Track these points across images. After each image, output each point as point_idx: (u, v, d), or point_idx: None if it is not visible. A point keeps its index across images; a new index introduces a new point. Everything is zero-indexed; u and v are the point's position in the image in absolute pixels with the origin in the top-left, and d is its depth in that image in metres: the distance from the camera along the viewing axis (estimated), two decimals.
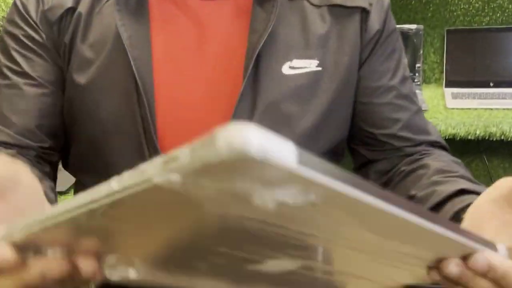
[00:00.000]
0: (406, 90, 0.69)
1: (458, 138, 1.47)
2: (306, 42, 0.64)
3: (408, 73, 0.71)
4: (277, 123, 0.61)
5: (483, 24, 1.76)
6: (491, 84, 1.67)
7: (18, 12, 0.65)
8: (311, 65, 0.64)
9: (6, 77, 0.64)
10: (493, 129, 1.42)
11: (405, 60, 0.71)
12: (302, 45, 0.64)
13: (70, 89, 0.63)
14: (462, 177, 0.59)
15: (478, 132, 1.45)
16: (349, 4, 0.65)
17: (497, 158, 1.89)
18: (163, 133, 0.61)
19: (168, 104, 0.63)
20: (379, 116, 0.68)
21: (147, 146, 0.60)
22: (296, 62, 0.63)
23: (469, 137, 1.48)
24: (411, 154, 0.67)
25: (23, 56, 0.65)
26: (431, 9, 1.77)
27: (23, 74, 0.64)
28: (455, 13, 1.75)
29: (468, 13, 1.74)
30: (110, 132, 0.62)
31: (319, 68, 0.64)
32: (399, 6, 1.80)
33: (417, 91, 1.57)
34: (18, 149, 0.62)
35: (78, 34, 0.64)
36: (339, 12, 0.65)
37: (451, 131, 1.45)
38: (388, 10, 0.69)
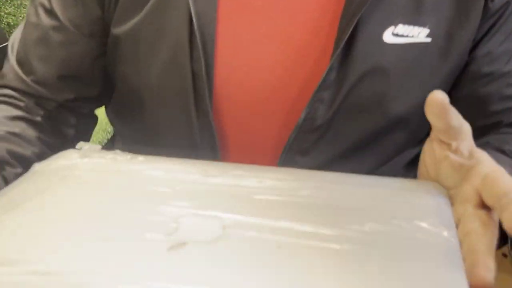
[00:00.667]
0: None
1: None
2: (417, 5, 0.54)
3: None
4: (367, 101, 0.53)
5: None
6: None
7: None
8: (419, 34, 0.54)
9: (37, 14, 0.58)
10: None
11: None
12: (411, 8, 0.54)
13: (112, 37, 0.56)
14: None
15: None
16: None
17: None
18: (220, 98, 0.54)
19: (231, 63, 0.54)
20: (482, 108, 0.59)
21: (195, 108, 0.53)
22: (401, 28, 0.54)
23: None
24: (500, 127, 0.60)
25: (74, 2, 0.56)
26: None
27: (52, 15, 0.57)
28: None
29: None
30: (155, 84, 0.55)
31: (429, 40, 0.54)
32: None
33: None
34: (35, 100, 0.57)
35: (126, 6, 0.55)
36: None
37: None
38: None
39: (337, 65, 0.51)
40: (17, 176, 0.46)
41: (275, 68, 0.54)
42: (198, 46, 0.51)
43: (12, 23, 1.96)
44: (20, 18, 2.01)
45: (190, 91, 0.53)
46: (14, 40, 0.60)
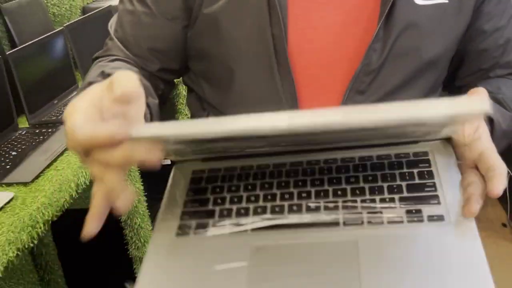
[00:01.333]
0: (509, 32, 0.73)
1: None
2: None
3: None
4: (407, 49, 0.67)
5: None
6: None
7: None
8: None
9: (131, 3, 0.72)
10: None
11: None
12: None
13: (203, 17, 0.68)
14: (495, 99, 0.71)
15: None
16: None
17: None
18: (295, 55, 0.66)
19: (301, 25, 0.66)
20: (483, 55, 0.74)
21: (277, 65, 0.66)
22: None
23: None
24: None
25: None
26: None
27: (144, 4, 0.71)
28: None
29: None
30: (242, 51, 0.67)
31: (447, 1, 0.67)
32: None
33: None
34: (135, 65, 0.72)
35: None
36: None
37: None
38: None
39: (383, 24, 0.64)
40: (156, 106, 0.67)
41: (334, 27, 0.67)
42: (277, 13, 0.64)
43: (56, 13, 1.91)
44: (63, 8, 1.95)
45: (272, 51, 0.65)
46: (112, 22, 0.76)
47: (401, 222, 0.51)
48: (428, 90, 0.73)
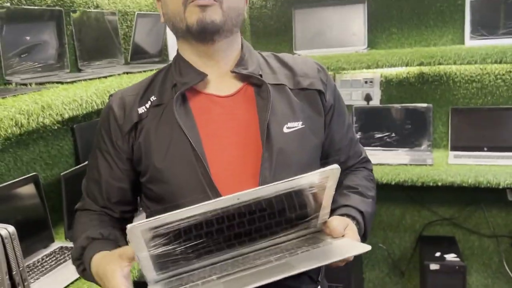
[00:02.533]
0: (350, 134, 1.18)
1: (455, 185, 2.12)
2: (292, 111, 1.05)
3: (349, 121, 1.18)
4: (284, 161, 1.01)
5: (478, 104, 2.45)
6: (485, 149, 2.37)
7: (108, 121, 1.08)
8: (298, 125, 1.05)
9: (96, 168, 1.10)
10: (481, 179, 2.07)
11: (347, 113, 1.18)
12: (290, 114, 1.05)
13: (151, 170, 1.03)
14: (356, 193, 1.11)
15: (469, 181, 2.09)
16: (311, 87, 1.09)
17: (495, 208, 2.52)
18: (216, 177, 0.98)
19: (216, 159, 1.01)
20: (336, 150, 1.15)
21: (207, 185, 0.98)
22: (290, 124, 1.04)
23: (463, 185, 2.10)
24: (348, 169, 1.18)
25: (107, 159, 1.08)
26: (438, 92, 2.50)
27: (107, 167, 1.08)
28: (457, 96, 2.48)
29: (466, 96, 2.47)
30: (181, 184, 1.00)
31: (303, 126, 1.05)
32: (414, 90, 2.53)
33: (427, 153, 2.44)
34: (105, 212, 1.10)
35: (150, 132, 1.03)
36: (307, 92, 1.09)
37: (450, 179, 2.13)
38: (335, 87, 1.15)
39: (265, 148, 0.99)
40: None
41: (235, 149, 1.02)
42: (199, 156, 0.98)
43: None
44: None
45: (198, 170, 0.99)
46: (84, 182, 1.15)
47: None
48: None
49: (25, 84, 1.48)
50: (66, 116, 1.33)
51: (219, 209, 0.84)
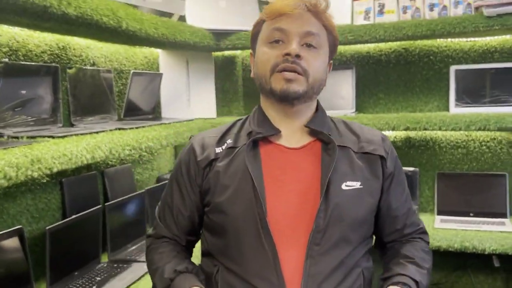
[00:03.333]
0: (408, 205, 1.26)
1: (441, 250, 2.13)
2: (353, 171, 1.16)
3: (408, 192, 1.28)
4: (338, 215, 1.10)
5: (464, 169, 2.50)
6: (471, 214, 2.39)
7: (188, 157, 1.23)
8: (356, 184, 1.15)
9: (171, 197, 1.27)
10: (467, 244, 2.09)
11: (406, 185, 1.28)
12: (350, 173, 1.15)
13: (215, 201, 1.16)
14: (413, 263, 1.17)
15: (456, 246, 2.10)
16: (374, 152, 1.20)
17: (482, 274, 2.52)
18: (271, 218, 1.09)
19: (274, 201, 1.11)
20: (394, 233, 1.25)
21: (260, 221, 1.09)
22: (349, 183, 1.15)
23: (450, 249, 2.12)
24: (405, 237, 1.26)
25: (182, 190, 1.24)
26: (425, 157, 2.54)
27: (181, 200, 1.25)
28: (443, 161, 2.53)
29: (452, 162, 2.52)
30: (238, 217, 1.12)
31: (361, 186, 1.15)
32: (401, 154, 2.48)
33: None
34: (175, 240, 1.27)
35: (221, 169, 1.17)
36: (369, 156, 1.20)
37: (436, 243, 2.12)
38: (397, 158, 1.26)
39: (323, 201, 1.09)
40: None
41: (295, 196, 1.13)
42: (259, 199, 1.09)
43: (139, 179, 2.48)
44: (144, 176, 2.53)
45: (257, 221, 1.09)
46: (157, 210, 1.32)
47: None
48: (359, 243, 1.16)
49: (17, 137, 1.51)
50: (55, 170, 1.35)
51: None
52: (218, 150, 1.20)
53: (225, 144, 1.21)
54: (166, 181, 2.47)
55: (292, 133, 1.21)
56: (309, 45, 1.16)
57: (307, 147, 1.20)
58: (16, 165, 1.21)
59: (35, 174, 1.28)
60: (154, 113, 2.50)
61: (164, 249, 1.25)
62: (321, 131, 1.18)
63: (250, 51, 1.29)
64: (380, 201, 1.21)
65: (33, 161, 1.27)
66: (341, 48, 2.62)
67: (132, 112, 2.27)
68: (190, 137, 1.31)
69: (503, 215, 2.37)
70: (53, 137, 1.51)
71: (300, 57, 1.13)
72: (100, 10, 1.42)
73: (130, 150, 1.73)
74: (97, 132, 1.69)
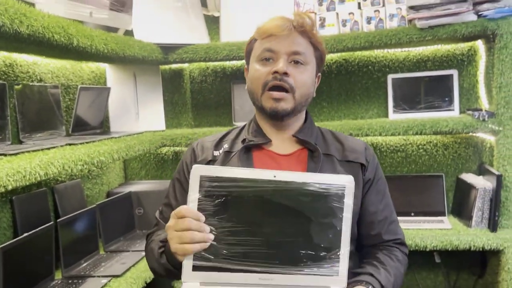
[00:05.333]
0: (386, 213, 1.34)
1: None
2: None
3: (389, 202, 1.37)
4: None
5: (403, 172, 2.64)
6: (412, 214, 2.52)
7: (189, 158, 1.37)
8: None
9: (173, 196, 1.38)
10: (409, 242, 2.15)
11: (387, 195, 1.37)
12: None
13: None
14: (384, 268, 1.24)
15: None
16: (355, 160, 1.32)
17: (425, 270, 2.66)
18: None
19: None
20: (372, 237, 1.32)
21: None
22: None
23: None
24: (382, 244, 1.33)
25: (184, 188, 1.33)
26: None
27: (183, 197, 1.33)
28: (384, 165, 2.65)
29: (393, 165, 2.66)
30: None
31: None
32: None
33: None
34: None
35: None
36: (351, 164, 1.31)
37: None
38: (378, 166, 1.37)
39: None
40: None
41: None
42: None
43: (89, 194, 2.45)
44: (94, 191, 2.51)
45: None
46: (157, 212, 1.42)
47: None
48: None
49: None
50: (9, 187, 1.35)
51: (259, 180, 1.10)
52: (216, 153, 1.34)
53: (222, 149, 1.35)
54: (117, 195, 2.49)
55: (281, 142, 1.34)
56: (296, 62, 1.28)
57: (295, 154, 1.32)
58: None
59: None
60: (102, 127, 2.50)
61: (163, 231, 1.28)
62: (307, 140, 1.31)
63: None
64: (360, 207, 1.31)
65: None
66: None
67: (80, 127, 2.27)
68: (190, 143, 1.45)
69: (442, 214, 2.52)
70: (5, 154, 1.51)
71: (287, 75, 1.25)
72: (52, 27, 1.44)
73: (82, 165, 1.74)
74: (48, 148, 1.69)
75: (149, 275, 2.05)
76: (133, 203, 2.57)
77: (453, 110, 2.51)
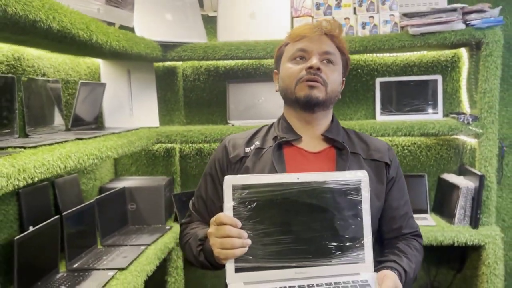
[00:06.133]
0: (406, 209, 1.44)
1: None
2: None
3: (407, 199, 1.45)
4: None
5: None
6: None
7: (221, 154, 1.44)
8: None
9: (201, 192, 1.47)
10: None
11: (406, 192, 1.46)
12: None
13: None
14: (406, 257, 1.33)
15: None
16: (380, 159, 1.40)
17: None
18: None
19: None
20: (393, 231, 1.42)
21: None
22: None
23: None
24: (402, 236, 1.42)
25: (215, 183, 1.43)
26: None
27: (214, 192, 1.44)
28: None
29: None
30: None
31: (369, 189, 1.26)
32: None
33: None
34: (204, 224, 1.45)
35: (250, 166, 1.37)
36: (376, 163, 1.40)
37: None
38: (399, 166, 1.46)
39: None
40: None
41: None
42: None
43: (84, 189, 2.46)
44: (89, 186, 2.51)
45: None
46: (191, 202, 1.50)
47: None
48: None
49: None
50: (36, 179, 1.37)
51: (284, 183, 1.20)
52: (248, 149, 1.41)
53: (254, 145, 1.42)
54: (112, 190, 2.51)
55: (311, 140, 1.41)
56: (327, 61, 1.38)
57: (323, 152, 1.40)
58: (6, 175, 1.23)
59: (21, 184, 1.30)
60: (97, 123, 2.51)
61: (198, 225, 1.43)
62: (336, 139, 1.39)
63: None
64: (384, 203, 1.40)
65: (20, 171, 1.29)
66: None
67: (78, 122, 2.28)
68: (222, 140, 1.52)
69: (425, 211, 2.65)
70: (25, 147, 1.52)
71: (321, 70, 1.34)
72: (78, 24, 1.46)
73: (94, 159, 1.77)
74: (61, 142, 1.71)
75: (150, 268, 2.09)
76: (126, 198, 2.59)
77: (437, 113, 2.65)
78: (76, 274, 1.89)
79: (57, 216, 1.91)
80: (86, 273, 1.89)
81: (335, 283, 1.19)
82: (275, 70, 1.49)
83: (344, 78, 1.48)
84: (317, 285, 1.18)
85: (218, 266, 1.26)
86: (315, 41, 1.37)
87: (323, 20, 1.41)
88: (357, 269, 1.23)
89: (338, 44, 1.41)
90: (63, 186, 2.21)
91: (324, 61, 1.38)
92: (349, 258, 1.22)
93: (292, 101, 1.39)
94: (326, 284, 1.19)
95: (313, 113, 1.39)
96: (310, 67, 1.34)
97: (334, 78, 1.38)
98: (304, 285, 1.18)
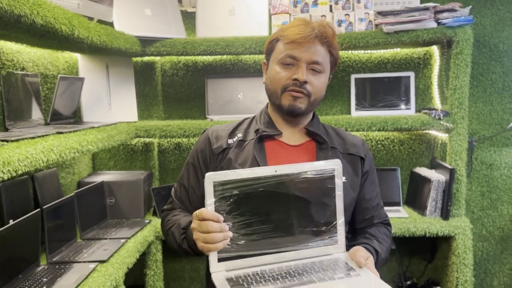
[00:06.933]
0: (377, 200, 1.54)
1: None
2: None
3: (379, 191, 1.55)
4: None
5: None
6: None
7: (204, 145, 1.50)
8: (344, 179, 1.38)
9: (185, 179, 1.52)
10: None
11: (377, 184, 1.55)
12: None
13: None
14: (376, 239, 1.42)
15: None
16: (356, 154, 1.49)
17: None
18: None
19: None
20: (365, 219, 1.51)
21: None
22: None
23: None
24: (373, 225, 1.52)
25: (197, 173, 1.49)
26: None
27: (196, 181, 1.49)
28: None
29: None
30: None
31: (346, 181, 1.41)
32: None
33: None
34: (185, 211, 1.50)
35: (232, 157, 1.43)
36: (352, 157, 1.49)
37: None
38: (372, 160, 1.56)
39: None
40: None
41: None
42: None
43: (63, 183, 2.46)
44: (67, 180, 2.51)
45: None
46: (173, 189, 1.55)
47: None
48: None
49: None
50: (19, 172, 1.39)
51: (263, 177, 1.24)
52: (230, 141, 1.46)
53: (236, 137, 1.47)
54: (91, 185, 2.52)
55: (292, 134, 1.48)
56: (314, 70, 1.40)
57: (303, 145, 1.47)
58: None
59: (5, 177, 1.32)
60: (75, 117, 2.52)
61: (179, 212, 1.49)
62: (317, 133, 1.45)
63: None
64: (358, 195, 1.48)
65: (4, 164, 1.31)
66: (256, 59, 2.84)
67: (57, 116, 2.29)
68: (204, 130, 1.56)
69: (398, 204, 2.74)
70: (7, 141, 1.53)
71: (307, 82, 1.38)
72: (60, 19, 1.48)
73: (74, 153, 1.78)
74: (43, 136, 1.72)
75: (131, 261, 2.11)
76: (105, 192, 2.61)
77: (410, 109, 2.73)
78: (57, 266, 1.90)
79: (38, 209, 1.92)
80: (67, 266, 1.91)
81: (311, 262, 1.28)
82: (264, 61, 1.53)
83: (330, 75, 1.51)
84: (294, 265, 1.26)
85: (200, 254, 1.30)
86: (305, 49, 1.38)
87: (317, 25, 1.41)
88: (331, 250, 1.32)
89: (329, 48, 1.43)
90: (43, 180, 2.21)
91: (311, 70, 1.40)
92: (324, 241, 1.31)
93: (276, 106, 1.45)
94: (303, 264, 1.27)
95: (295, 118, 1.46)
96: (296, 79, 1.38)
97: (319, 86, 1.42)
98: (282, 266, 1.25)
